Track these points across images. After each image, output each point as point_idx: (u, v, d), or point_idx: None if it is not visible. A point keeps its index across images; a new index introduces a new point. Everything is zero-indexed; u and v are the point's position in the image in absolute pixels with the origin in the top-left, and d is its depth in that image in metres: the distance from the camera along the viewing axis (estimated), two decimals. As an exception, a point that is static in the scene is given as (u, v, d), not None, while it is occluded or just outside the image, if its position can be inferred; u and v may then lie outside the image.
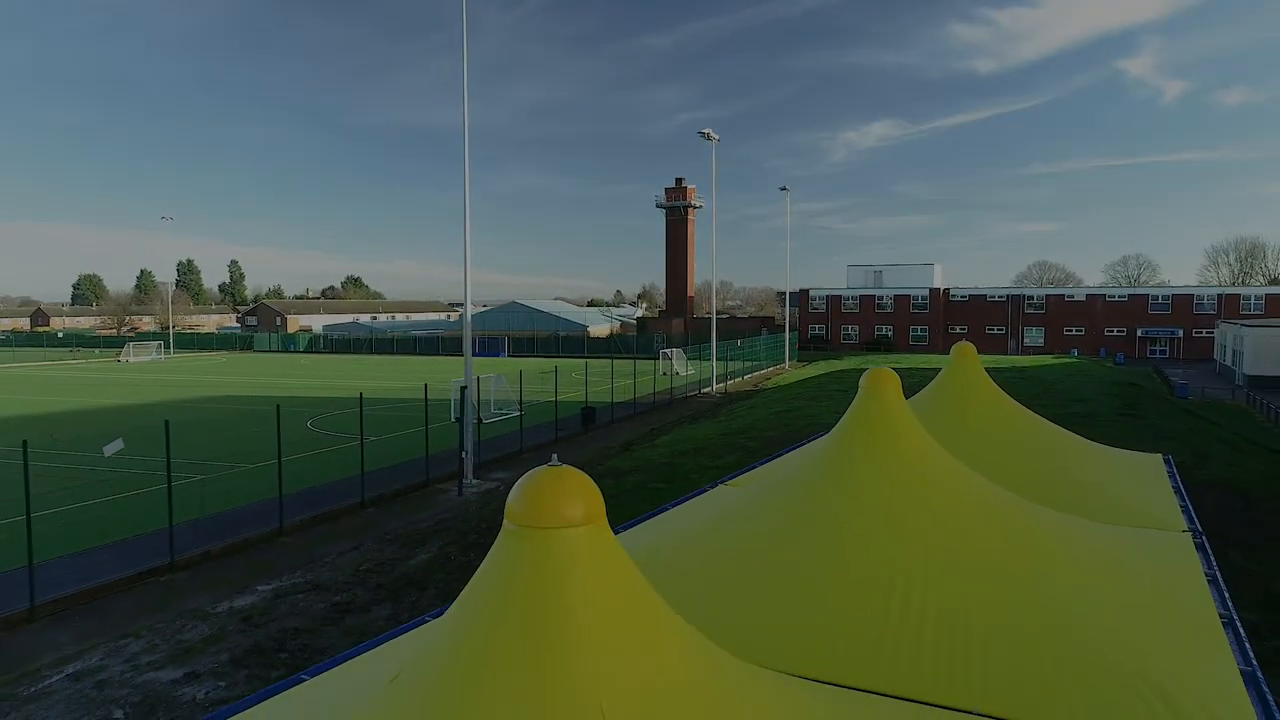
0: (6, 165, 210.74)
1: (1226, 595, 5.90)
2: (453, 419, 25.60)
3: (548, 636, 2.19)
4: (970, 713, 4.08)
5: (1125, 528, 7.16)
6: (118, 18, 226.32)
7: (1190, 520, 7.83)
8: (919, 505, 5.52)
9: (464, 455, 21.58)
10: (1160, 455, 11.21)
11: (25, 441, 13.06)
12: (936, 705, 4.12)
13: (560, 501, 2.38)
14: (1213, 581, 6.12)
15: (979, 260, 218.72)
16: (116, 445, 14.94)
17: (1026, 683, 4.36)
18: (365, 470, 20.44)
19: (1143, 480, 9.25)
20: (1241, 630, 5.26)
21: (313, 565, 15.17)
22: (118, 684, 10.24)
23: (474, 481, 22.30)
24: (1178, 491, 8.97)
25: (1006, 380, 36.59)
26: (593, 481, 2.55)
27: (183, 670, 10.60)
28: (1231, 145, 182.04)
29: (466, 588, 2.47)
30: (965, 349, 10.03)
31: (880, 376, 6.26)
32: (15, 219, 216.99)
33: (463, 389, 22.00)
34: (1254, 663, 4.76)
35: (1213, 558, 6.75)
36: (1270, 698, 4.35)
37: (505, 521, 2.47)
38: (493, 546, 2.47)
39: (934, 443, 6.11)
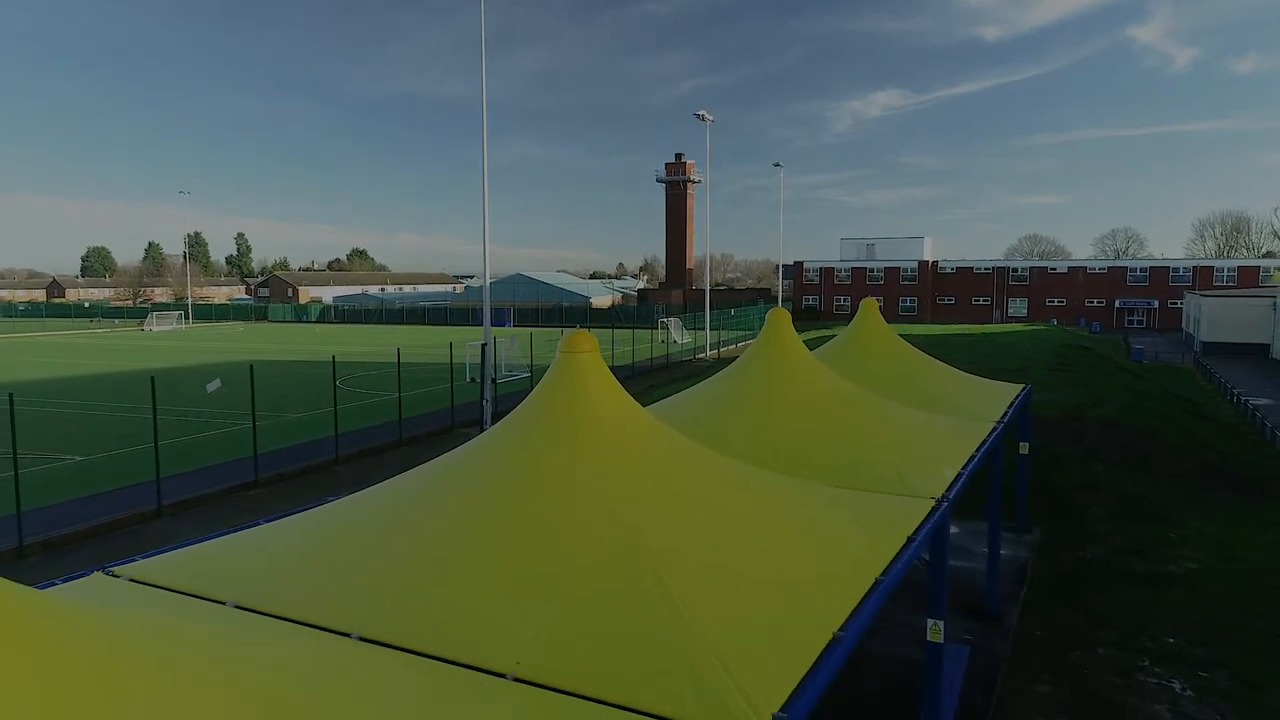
0: (5, 138, 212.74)
1: (987, 446, 9.46)
2: (468, 380, 29.12)
3: (575, 392, 5.71)
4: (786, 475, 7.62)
5: (950, 416, 10.68)
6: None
7: (1005, 417, 11.35)
8: (794, 390, 9.03)
9: (484, 402, 25.15)
10: (1023, 385, 14.72)
11: (153, 378, 16.59)
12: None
13: (581, 342, 5.89)
14: (984, 444, 9.65)
15: (983, 233, 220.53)
16: (216, 384, 18.41)
17: (821, 468, 7.88)
18: (398, 417, 24.13)
19: (990, 397, 12.75)
20: (975, 462, 8.79)
21: (369, 483, 18.77)
22: (244, 551, 13.88)
23: (493, 427, 25.89)
24: (1013, 405, 12.48)
25: (967, 343, 40.12)
26: (594, 336, 6.07)
27: (289, 544, 14.23)
28: (1241, 114, 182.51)
29: (544, 378, 6.00)
30: (869, 304, 13.50)
31: (779, 314, 9.74)
32: (15, 191, 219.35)
33: (483, 346, 25.50)
34: (964, 472, 8.29)
35: (998, 436, 10.27)
36: (958, 486, 7.85)
37: (557, 352, 5.97)
38: (551, 364, 6.00)
39: (808, 353, 9.61)
